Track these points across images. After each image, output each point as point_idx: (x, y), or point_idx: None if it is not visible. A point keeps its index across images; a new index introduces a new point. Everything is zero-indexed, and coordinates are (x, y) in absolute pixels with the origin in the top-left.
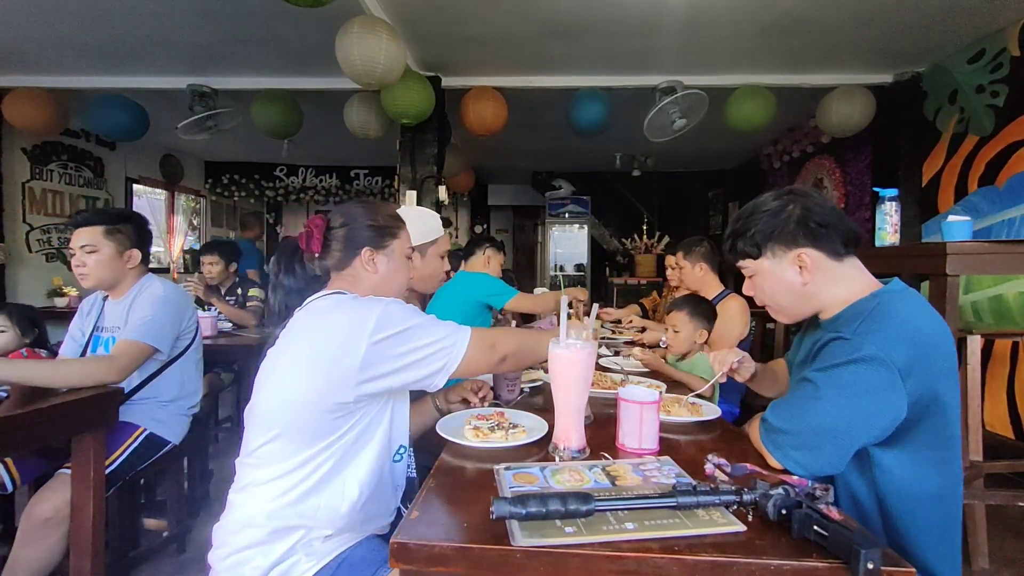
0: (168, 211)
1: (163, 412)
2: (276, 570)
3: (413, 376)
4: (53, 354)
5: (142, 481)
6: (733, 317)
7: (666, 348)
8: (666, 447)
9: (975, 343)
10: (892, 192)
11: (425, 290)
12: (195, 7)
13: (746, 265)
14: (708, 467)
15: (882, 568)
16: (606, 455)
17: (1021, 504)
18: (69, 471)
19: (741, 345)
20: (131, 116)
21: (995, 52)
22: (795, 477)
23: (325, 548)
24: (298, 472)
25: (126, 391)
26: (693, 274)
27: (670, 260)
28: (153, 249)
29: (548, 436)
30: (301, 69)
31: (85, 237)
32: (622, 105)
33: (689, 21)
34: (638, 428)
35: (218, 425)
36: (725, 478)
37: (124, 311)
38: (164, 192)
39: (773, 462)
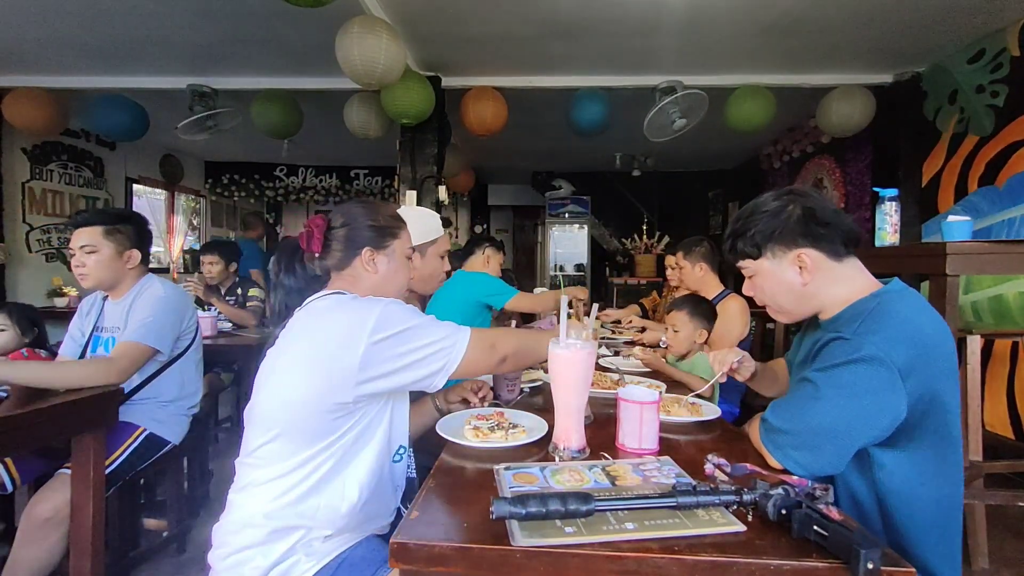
0: (168, 211)
1: (163, 412)
2: (276, 570)
3: (412, 377)
4: (52, 354)
5: (142, 481)
6: (733, 317)
7: (666, 348)
8: (666, 447)
9: (975, 343)
10: (892, 192)
11: (425, 290)
12: (195, 7)
13: (746, 265)
14: (708, 467)
15: (882, 568)
16: (606, 455)
17: (1021, 504)
18: (69, 471)
19: (741, 345)
20: (131, 116)
21: (995, 52)
22: (795, 477)
23: (325, 548)
24: (298, 472)
25: (126, 391)
26: (693, 274)
27: (670, 260)
28: (153, 249)
29: (548, 436)
30: (301, 69)
31: (85, 237)
32: (622, 105)
33: (689, 21)
34: (638, 428)
35: (218, 425)
36: (725, 478)
37: (124, 311)
38: (164, 192)
39: (773, 462)
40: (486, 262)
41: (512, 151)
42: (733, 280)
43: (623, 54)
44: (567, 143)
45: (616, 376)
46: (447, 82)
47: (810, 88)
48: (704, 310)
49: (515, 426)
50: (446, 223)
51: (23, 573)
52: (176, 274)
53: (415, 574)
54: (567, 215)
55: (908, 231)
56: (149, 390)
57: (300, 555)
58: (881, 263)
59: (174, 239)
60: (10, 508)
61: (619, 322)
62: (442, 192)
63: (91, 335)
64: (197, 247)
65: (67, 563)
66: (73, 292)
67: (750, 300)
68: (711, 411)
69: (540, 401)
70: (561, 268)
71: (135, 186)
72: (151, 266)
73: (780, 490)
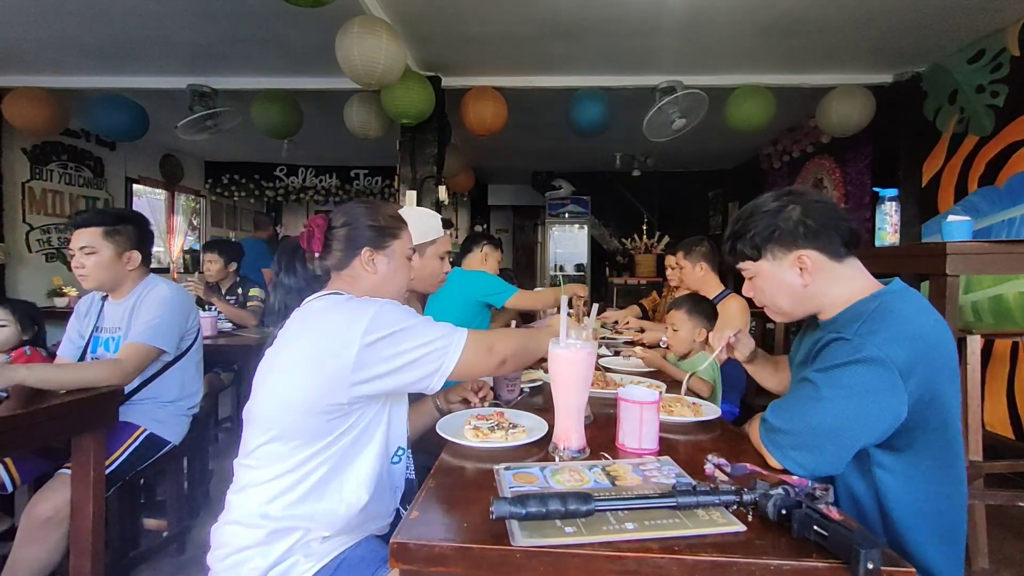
0: (168, 211)
1: (163, 412)
2: (275, 571)
3: (407, 378)
4: (52, 355)
5: (142, 481)
6: (733, 317)
7: (666, 348)
8: (666, 447)
9: (975, 343)
10: (892, 192)
11: (424, 291)
12: (195, 7)
13: (746, 267)
14: (708, 467)
15: (882, 568)
16: (606, 455)
17: (1021, 504)
18: (69, 471)
19: None
20: (131, 116)
21: (995, 52)
22: (795, 477)
23: (324, 549)
24: (296, 473)
25: (126, 391)
26: (693, 274)
27: (670, 260)
28: (153, 249)
29: (548, 436)
30: (301, 69)
31: (84, 238)
32: (622, 105)
33: (689, 21)
34: (638, 428)
35: (218, 425)
36: (725, 478)
37: (126, 312)
38: (164, 192)
39: (773, 462)
40: (484, 260)
41: (512, 151)
42: (733, 280)
43: (623, 54)
44: (567, 143)
45: (617, 377)
46: (447, 82)
47: (810, 88)
48: (704, 309)
49: (515, 426)
50: (447, 224)
51: (23, 573)
52: (176, 274)
53: (415, 574)
54: (567, 215)
55: (908, 231)
56: (150, 390)
57: (299, 556)
58: (881, 263)
59: (174, 239)
60: (10, 508)
61: (617, 322)
62: (442, 192)
63: (91, 336)
64: (197, 247)
65: (67, 563)
66: (73, 292)
67: (750, 300)
68: (711, 411)
69: (540, 401)
70: (561, 268)
71: (135, 186)
72: (151, 266)
73: (780, 490)
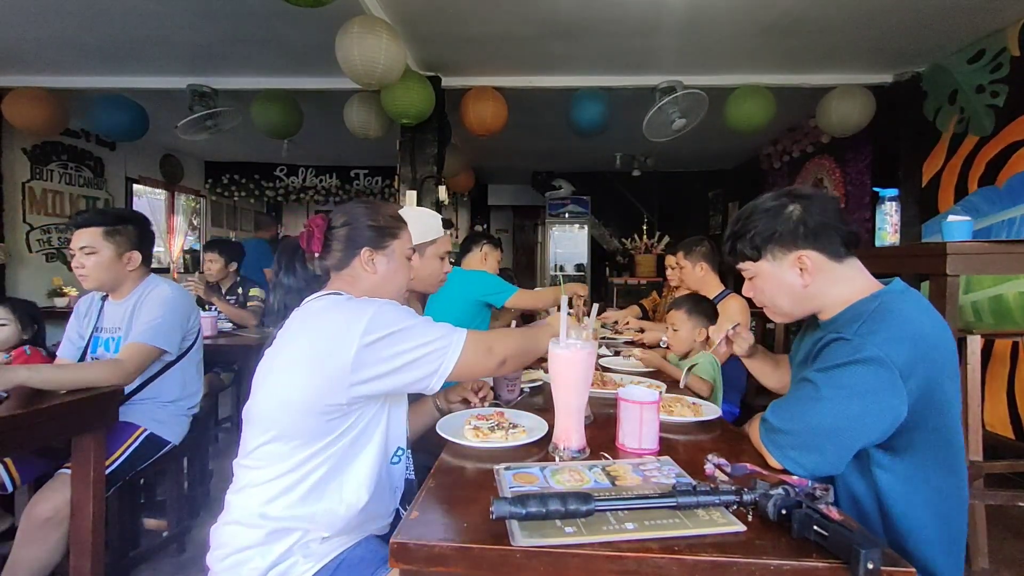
0: (168, 211)
1: (163, 412)
2: (274, 571)
3: (406, 379)
4: (51, 355)
5: (142, 481)
6: (733, 317)
7: (667, 348)
8: (666, 447)
9: (975, 343)
10: (892, 192)
11: (424, 291)
12: (195, 7)
13: (746, 267)
14: (708, 467)
15: (882, 568)
16: (606, 455)
17: (1021, 504)
18: (69, 471)
19: None
20: (131, 116)
21: (995, 52)
22: (795, 477)
23: (323, 549)
24: (295, 473)
25: (127, 391)
26: (693, 274)
27: (670, 260)
28: (154, 249)
29: (548, 436)
30: (301, 69)
31: (85, 238)
32: (622, 105)
33: (689, 21)
34: (638, 428)
35: (218, 425)
36: (725, 478)
37: (127, 312)
38: (164, 192)
39: (773, 462)
40: (484, 259)
41: (512, 151)
42: (733, 280)
43: (623, 54)
44: (567, 143)
45: (617, 377)
46: (447, 82)
47: (810, 88)
48: (704, 308)
49: (515, 426)
50: (448, 224)
51: (23, 573)
52: (176, 274)
53: (415, 574)
54: (567, 215)
55: (908, 231)
56: (150, 390)
57: (298, 556)
58: (881, 263)
59: (174, 239)
60: (10, 508)
61: (617, 323)
62: (442, 192)
63: (91, 336)
64: (197, 247)
65: (67, 563)
66: (73, 292)
67: (750, 300)
68: (711, 411)
69: (540, 401)
70: (561, 268)
71: (135, 186)
72: (152, 266)
73: (780, 490)
